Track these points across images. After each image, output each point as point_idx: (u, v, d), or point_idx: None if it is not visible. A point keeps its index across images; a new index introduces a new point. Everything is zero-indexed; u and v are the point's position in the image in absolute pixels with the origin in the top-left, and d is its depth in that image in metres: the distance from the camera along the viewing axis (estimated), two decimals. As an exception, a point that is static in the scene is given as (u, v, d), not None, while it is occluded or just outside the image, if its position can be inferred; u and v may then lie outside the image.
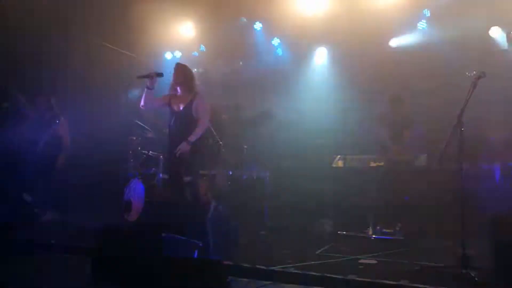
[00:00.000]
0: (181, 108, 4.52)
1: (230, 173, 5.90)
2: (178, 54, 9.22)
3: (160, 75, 4.59)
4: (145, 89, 4.52)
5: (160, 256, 3.12)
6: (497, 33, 6.56)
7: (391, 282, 3.13)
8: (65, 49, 7.28)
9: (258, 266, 3.49)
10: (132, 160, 6.29)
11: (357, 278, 3.24)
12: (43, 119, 6.40)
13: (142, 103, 4.56)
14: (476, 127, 6.17)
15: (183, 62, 5.02)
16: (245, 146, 6.14)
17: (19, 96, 6.26)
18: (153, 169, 6.04)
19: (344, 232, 5.27)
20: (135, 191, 5.88)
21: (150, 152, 6.34)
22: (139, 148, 6.21)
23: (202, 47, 8.92)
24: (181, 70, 4.63)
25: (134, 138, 6.32)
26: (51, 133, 6.36)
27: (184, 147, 4.26)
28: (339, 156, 5.90)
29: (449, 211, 5.22)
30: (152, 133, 6.39)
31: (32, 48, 6.81)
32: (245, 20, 8.34)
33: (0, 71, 6.38)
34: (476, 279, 3.16)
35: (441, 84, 6.68)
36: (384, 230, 4.96)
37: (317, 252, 4.26)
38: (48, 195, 6.19)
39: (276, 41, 8.47)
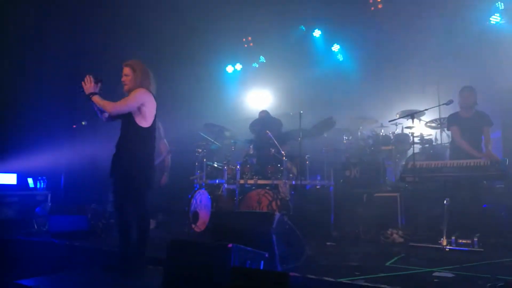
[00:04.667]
0: None
1: (293, 182, 5.87)
2: (238, 66, 9.45)
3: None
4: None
5: (228, 266, 3.16)
6: None
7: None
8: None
9: (325, 278, 3.42)
10: (198, 171, 6.50)
11: (433, 293, 3.06)
12: None
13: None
14: None
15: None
16: (307, 155, 6.08)
17: None
18: (218, 179, 6.17)
19: (416, 243, 5.00)
20: (202, 202, 6.05)
21: (215, 163, 6.52)
22: (204, 160, 6.41)
23: (262, 58, 9.06)
24: None
25: (200, 150, 6.53)
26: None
27: None
28: (411, 163, 5.65)
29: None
30: (216, 145, 6.58)
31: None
32: (304, 28, 8.36)
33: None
34: None
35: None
36: (460, 241, 4.62)
37: (387, 264, 4.08)
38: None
39: (336, 47, 8.40)
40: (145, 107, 3.98)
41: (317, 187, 6.05)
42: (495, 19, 6.84)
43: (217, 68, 9.37)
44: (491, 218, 5.16)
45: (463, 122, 5.51)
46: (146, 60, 7.66)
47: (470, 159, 5.03)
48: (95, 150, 6.94)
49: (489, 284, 3.20)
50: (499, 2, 6.70)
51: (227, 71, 9.50)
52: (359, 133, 6.91)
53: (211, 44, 8.42)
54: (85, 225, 5.78)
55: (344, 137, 6.86)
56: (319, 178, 6.14)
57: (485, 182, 5.35)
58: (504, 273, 3.55)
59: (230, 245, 3.29)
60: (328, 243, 5.26)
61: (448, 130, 5.79)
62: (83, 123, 6.83)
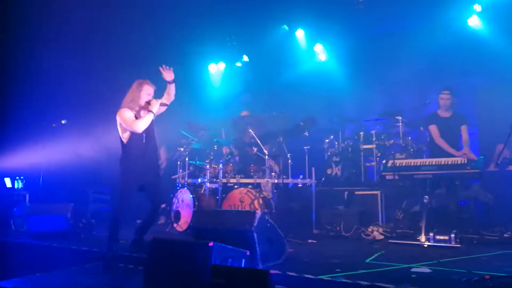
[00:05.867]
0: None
1: (276, 181, 5.89)
2: (222, 66, 9.42)
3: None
4: (150, 114, 4.51)
5: (209, 265, 3.16)
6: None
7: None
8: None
9: (306, 275, 3.44)
10: (180, 170, 6.48)
11: (411, 288, 3.11)
12: None
13: (143, 127, 4.48)
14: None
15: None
16: (290, 154, 6.11)
17: None
18: (201, 178, 6.16)
19: (396, 240, 5.09)
20: (184, 201, 6.03)
21: (197, 162, 6.50)
22: (187, 159, 6.38)
23: (245, 57, 9.06)
24: None
25: (182, 149, 6.50)
26: None
27: None
28: (391, 161, 5.74)
29: (509, 216, 4.94)
30: (198, 144, 6.56)
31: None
32: (287, 28, 8.39)
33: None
34: (543, 290, 2.94)
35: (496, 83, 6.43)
36: (438, 237, 4.72)
37: (367, 261, 4.14)
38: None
39: (318, 47, 8.46)
40: None
41: (299, 185, 6.08)
42: (472, 21, 7.00)
43: (200, 67, 9.34)
44: (467, 215, 5.30)
45: (442, 121, 5.63)
46: (127, 58, 7.62)
47: (448, 158, 5.14)
48: (75, 149, 6.85)
49: (464, 279, 3.27)
50: (476, 5, 6.86)
51: (209, 70, 9.48)
52: (340, 132, 6.98)
53: (194, 43, 8.38)
54: (64, 225, 5.69)
55: (327, 137, 6.94)
56: (301, 176, 6.18)
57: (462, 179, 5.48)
58: (479, 268, 3.64)
59: (211, 244, 3.30)
60: (310, 241, 5.30)
61: (426, 129, 5.90)
62: (63, 121, 6.73)
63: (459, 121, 5.58)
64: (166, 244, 3.53)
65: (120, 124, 4.47)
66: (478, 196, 5.51)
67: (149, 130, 4.56)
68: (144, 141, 4.53)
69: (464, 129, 5.56)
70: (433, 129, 5.65)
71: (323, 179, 6.70)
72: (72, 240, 5.35)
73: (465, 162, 4.96)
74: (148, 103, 4.53)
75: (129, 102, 4.50)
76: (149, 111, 4.49)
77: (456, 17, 7.02)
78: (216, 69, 9.48)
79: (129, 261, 4.25)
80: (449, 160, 5.05)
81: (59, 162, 7.09)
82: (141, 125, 4.43)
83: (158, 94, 4.69)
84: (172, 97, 4.85)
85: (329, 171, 6.79)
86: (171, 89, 4.83)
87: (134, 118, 4.44)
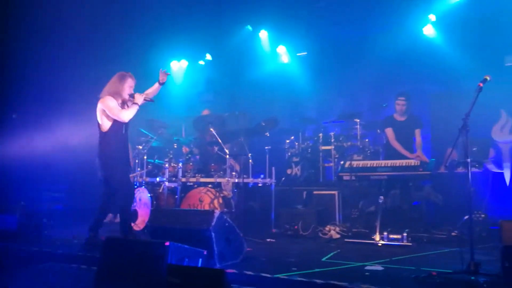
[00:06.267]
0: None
1: (236, 180, 5.89)
2: (184, 63, 9.32)
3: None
4: (135, 106, 4.54)
5: (164, 264, 3.11)
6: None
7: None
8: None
9: (262, 274, 3.47)
10: (138, 169, 6.34)
11: (363, 285, 3.20)
12: None
13: (129, 118, 4.55)
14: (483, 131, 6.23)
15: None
16: (250, 154, 6.13)
17: None
18: (159, 177, 6.06)
19: (351, 239, 5.23)
20: (141, 201, 5.91)
21: (156, 160, 6.39)
22: (145, 157, 6.26)
23: (208, 56, 9.00)
24: None
25: (140, 147, 6.37)
26: None
27: None
28: (348, 162, 5.87)
29: (459, 216, 5.18)
30: (158, 142, 6.44)
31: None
32: (250, 28, 8.40)
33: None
34: (485, 285, 3.10)
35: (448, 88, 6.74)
36: (391, 236, 4.89)
37: (323, 259, 4.22)
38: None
39: (281, 49, 8.53)
40: None
41: (259, 185, 6.11)
42: (427, 30, 7.29)
43: (161, 64, 9.16)
44: (419, 215, 5.52)
45: (397, 124, 5.83)
46: (86, 54, 7.35)
47: (402, 160, 5.34)
48: (25, 145, 6.54)
49: (413, 276, 3.41)
50: (431, 14, 7.15)
51: (172, 67, 9.34)
52: (300, 133, 7.08)
53: (156, 39, 8.21)
54: (13, 225, 5.42)
55: (288, 137, 7.03)
56: (262, 176, 6.21)
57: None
58: (428, 265, 3.80)
59: (167, 243, 3.25)
60: (268, 240, 5.34)
61: (383, 131, 6.09)
62: (14, 116, 6.42)
63: (414, 125, 5.80)
64: (121, 244, 3.45)
65: (104, 111, 4.45)
66: (430, 196, 5.76)
67: (127, 123, 4.59)
68: (124, 132, 4.58)
69: (418, 133, 5.79)
70: (389, 132, 5.84)
71: (283, 178, 6.78)
72: (22, 241, 5.11)
73: (418, 164, 5.17)
74: (132, 96, 4.53)
75: (112, 93, 4.49)
76: (134, 103, 4.50)
77: (413, 25, 7.29)
78: (178, 66, 9.36)
79: (82, 261, 4.11)
80: (403, 162, 5.25)
81: (8, 158, 6.76)
82: (128, 115, 4.48)
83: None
84: (152, 95, 4.94)
85: (289, 171, 6.88)
86: (156, 90, 4.98)
87: (120, 107, 4.47)
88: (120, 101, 4.53)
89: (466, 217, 4.53)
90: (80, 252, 4.30)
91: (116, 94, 4.51)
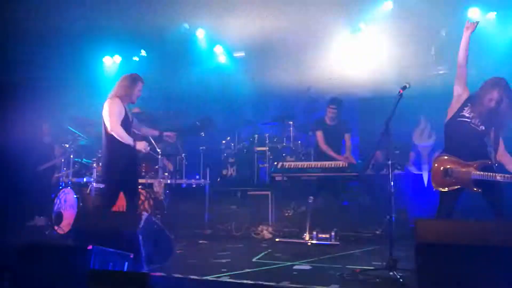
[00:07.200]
0: None
1: (168, 181, 5.77)
2: (117, 59, 8.95)
3: None
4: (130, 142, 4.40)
5: (86, 270, 2.95)
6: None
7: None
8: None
9: (190, 277, 3.42)
10: (64, 169, 6.01)
11: (290, 285, 3.27)
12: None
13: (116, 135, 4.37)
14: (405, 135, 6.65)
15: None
16: (184, 154, 6.04)
17: None
18: (86, 178, 5.77)
19: (283, 239, 5.33)
20: (67, 202, 5.61)
21: (84, 159, 6.09)
22: (71, 156, 5.94)
23: (143, 52, 8.72)
24: None
25: (67, 145, 6.03)
26: None
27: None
28: (281, 163, 5.97)
29: (383, 215, 5.47)
30: (86, 140, 6.14)
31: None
32: (187, 26, 8.26)
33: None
34: (401, 280, 3.30)
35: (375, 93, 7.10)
36: (320, 235, 5.05)
37: (253, 260, 4.26)
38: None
39: (218, 48, 8.49)
40: None
41: (193, 186, 6.04)
42: (358, 37, 7.61)
43: (94, 59, 8.74)
44: (347, 214, 5.76)
45: (327, 128, 6.05)
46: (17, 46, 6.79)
47: (331, 161, 5.55)
48: None
49: (338, 274, 3.54)
50: (361, 22, 7.48)
51: (104, 63, 8.93)
52: (237, 134, 7.10)
53: (89, 33, 7.79)
54: None
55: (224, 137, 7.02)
56: (197, 176, 6.14)
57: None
58: (353, 263, 3.99)
59: (90, 247, 3.10)
60: (201, 241, 5.29)
61: (314, 133, 6.29)
62: None
63: (343, 130, 6.06)
64: (38, 249, 3.22)
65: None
66: (357, 197, 6.03)
67: (132, 125, 4.60)
68: (130, 133, 4.48)
69: (347, 137, 6.06)
70: (319, 134, 6.04)
71: (219, 179, 6.76)
72: None
73: (346, 166, 5.40)
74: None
75: (121, 96, 4.41)
76: (135, 144, 4.38)
77: (344, 31, 7.57)
78: (111, 62, 8.97)
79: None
80: (332, 164, 5.46)
81: None
82: (118, 132, 4.29)
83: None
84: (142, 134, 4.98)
85: (224, 172, 6.88)
86: (151, 135, 5.13)
87: (120, 117, 4.33)
88: (126, 104, 4.48)
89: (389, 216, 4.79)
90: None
91: (126, 97, 4.45)
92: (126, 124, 4.41)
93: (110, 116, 4.30)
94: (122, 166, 4.32)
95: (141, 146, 4.43)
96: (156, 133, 5.01)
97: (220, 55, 8.53)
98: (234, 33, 7.98)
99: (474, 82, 3.88)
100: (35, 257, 3.19)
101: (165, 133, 4.97)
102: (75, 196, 5.56)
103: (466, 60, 3.77)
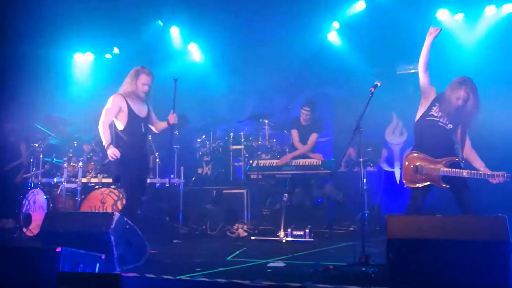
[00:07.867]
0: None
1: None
2: (89, 56, 8.75)
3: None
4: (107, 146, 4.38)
5: (54, 272, 2.88)
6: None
7: (295, 284, 3.20)
8: None
9: (164, 277, 3.38)
10: (33, 169, 5.84)
11: (264, 282, 3.27)
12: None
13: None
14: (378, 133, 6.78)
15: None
16: (158, 153, 5.97)
17: None
18: (57, 178, 5.62)
19: (258, 237, 5.34)
20: (36, 203, 5.46)
21: (54, 159, 5.94)
22: (41, 156, 5.77)
23: (116, 50, 8.56)
24: None
25: (36, 144, 5.87)
26: None
27: None
28: (256, 161, 5.97)
29: (357, 212, 5.56)
30: (57, 139, 5.99)
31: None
32: (161, 24, 8.16)
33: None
34: (373, 275, 3.36)
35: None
36: (295, 232, 5.08)
37: (228, 258, 4.25)
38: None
39: (193, 46, 8.42)
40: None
41: (167, 185, 5.96)
42: (331, 36, 7.70)
43: (64, 55, 8.51)
44: (321, 211, 5.83)
45: (302, 127, 6.10)
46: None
47: (305, 159, 5.59)
48: None
49: (311, 270, 3.58)
50: (335, 22, 7.56)
51: (76, 60, 8.71)
52: (212, 132, 7.07)
53: (59, 29, 7.57)
54: None
55: (199, 136, 6.97)
56: (172, 176, 6.08)
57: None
58: (326, 259, 4.02)
59: (58, 249, 3.02)
60: (175, 241, 5.24)
61: (289, 132, 6.32)
62: None
63: (314, 129, 6.11)
64: (3, 252, 3.13)
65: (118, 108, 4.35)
66: (331, 194, 6.10)
67: (146, 122, 4.51)
68: (143, 131, 4.46)
69: (313, 136, 6.07)
70: (294, 133, 6.09)
71: (194, 178, 6.71)
72: None
73: (319, 163, 5.45)
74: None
75: (125, 92, 4.37)
76: (108, 147, 4.31)
77: (318, 31, 7.64)
78: (83, 59, 8.76)
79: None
80: (306, 162, 5.51)
81: None
82: (100, 129, 4.31)
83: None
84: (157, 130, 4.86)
85: (199, 171, 6.83)
86: (163, 127, 4.84)
87: (110, 114, 4.32)
88: (133, 98, 4.38)
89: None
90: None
91: (129, 93, 4.37)
92: (133, 121, 4.36)
93: (105, 113, 4.33)
94: (127, 162, 4.36)
95: (109, 152, 4.35)
96: (166, 124, 4.83)
97: (195, 53, 8.46)
98: (209, 32, 7.95)
99: (441, 82, 3.99)
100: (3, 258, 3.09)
101: (168, 119, 4.77)
102: (45, 197, 5.41)
103: (427, 66, 3.88)
